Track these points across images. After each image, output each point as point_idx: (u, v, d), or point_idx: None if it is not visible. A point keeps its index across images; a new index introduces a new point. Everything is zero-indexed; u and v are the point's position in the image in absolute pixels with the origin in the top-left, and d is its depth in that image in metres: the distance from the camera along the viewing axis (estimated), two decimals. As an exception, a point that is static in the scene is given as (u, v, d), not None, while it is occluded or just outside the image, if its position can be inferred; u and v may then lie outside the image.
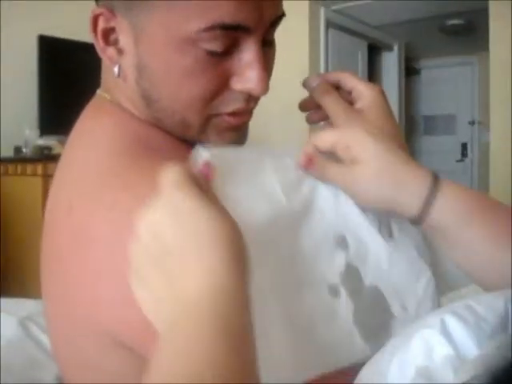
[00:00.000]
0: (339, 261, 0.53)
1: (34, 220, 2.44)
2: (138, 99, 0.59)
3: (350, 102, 0.63)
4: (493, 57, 3.34)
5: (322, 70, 3.75)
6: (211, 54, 0.53)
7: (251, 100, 0.59)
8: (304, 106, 0.68)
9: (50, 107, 2.90)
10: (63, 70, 2.94)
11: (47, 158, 2.58)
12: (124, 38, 0.56)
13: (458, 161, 5.80)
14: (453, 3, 4.23)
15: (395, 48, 5.04)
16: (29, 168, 2.54)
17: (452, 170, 5.70)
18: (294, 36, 3.49)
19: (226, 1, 0.51)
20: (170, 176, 0.44)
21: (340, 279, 0.51)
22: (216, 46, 0.53)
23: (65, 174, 0.60)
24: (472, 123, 5.63)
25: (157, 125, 0.60)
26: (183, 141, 0.60)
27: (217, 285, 0.39)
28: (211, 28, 0.51)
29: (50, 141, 2.70)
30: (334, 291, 0.50)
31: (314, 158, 0.56)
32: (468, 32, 5.13)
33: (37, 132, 2.78)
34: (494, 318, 0.43)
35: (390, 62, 5.13)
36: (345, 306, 0.50)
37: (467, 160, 5.76)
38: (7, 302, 1.09)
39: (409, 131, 5.80)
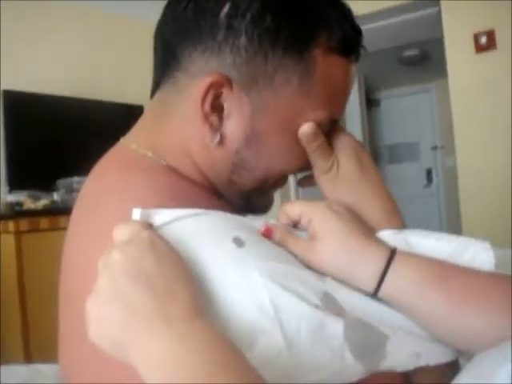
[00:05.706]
0: (319, 285, 0.53)
1: (8, 277, 2.35)
2: (220, 163, 0.61)
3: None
4: (452, 83, 3.44)
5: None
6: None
7: None
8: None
9: (18, 162, 2.83)
10: (29, 123, 2.88)
11: (18, 214, 2.50)
12: (234, 107, 0.58)
13: (424, 186, 5.91)
14: (408, 35, 4.38)
15: (356, 81, 5.16)
16: (0, 225, 2.45)
17: (419, 195, 5.80)
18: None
19: (342, 99, 0.64)
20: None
21: (321, 302, 0.51)
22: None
23: (94, 227, 0.56)
24: (435, 148, 5.76)
25: (201, 182, 0.63)
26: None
27: None
28: (328, 120, 0.61)
29: (20, 196, 2.62)
30: (319, 307, 0.50)
31: (273, 229, 0.59)
32: (424, 61, 5.31)
33: (6, 188, 2.70)
34: None
35: (351, 95, 5.22)
36: (332, 318, 0.49)
37: (433, 185, 5.87)
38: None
39: (374, 161, 5.87)
